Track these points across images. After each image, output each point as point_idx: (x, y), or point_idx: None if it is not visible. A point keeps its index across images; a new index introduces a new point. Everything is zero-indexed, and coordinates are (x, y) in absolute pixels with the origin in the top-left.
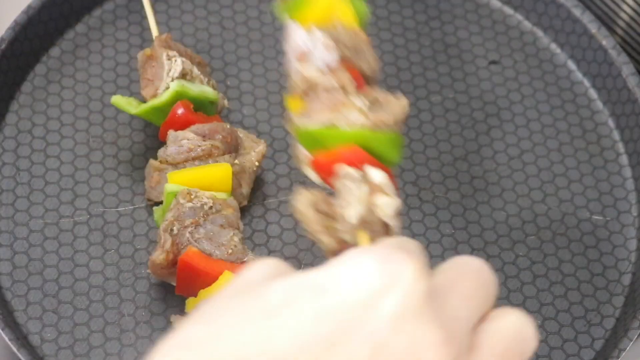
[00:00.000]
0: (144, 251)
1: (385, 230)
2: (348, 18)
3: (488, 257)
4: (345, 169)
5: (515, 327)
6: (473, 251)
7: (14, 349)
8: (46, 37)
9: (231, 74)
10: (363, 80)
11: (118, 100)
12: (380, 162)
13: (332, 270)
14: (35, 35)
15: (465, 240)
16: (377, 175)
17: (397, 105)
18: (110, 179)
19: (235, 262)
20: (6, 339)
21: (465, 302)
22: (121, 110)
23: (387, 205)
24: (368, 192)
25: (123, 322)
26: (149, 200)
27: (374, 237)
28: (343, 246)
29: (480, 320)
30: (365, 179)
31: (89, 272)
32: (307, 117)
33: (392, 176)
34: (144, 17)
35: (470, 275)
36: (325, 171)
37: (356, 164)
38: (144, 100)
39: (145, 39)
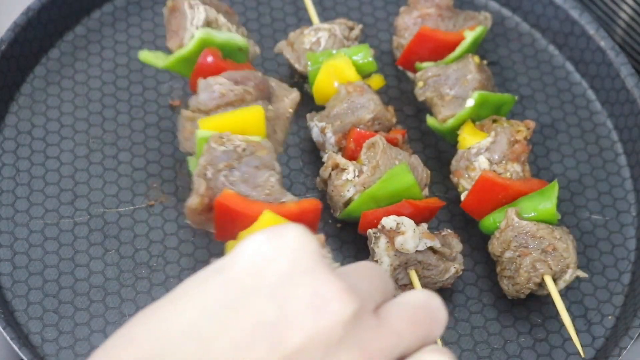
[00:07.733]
0: (145, 251)
1: (432, 252)
2: (349, 76)
3: (488, 257)
4: (367, 233)
5: (421, 298)
6: (473, 250)
7: (16, 348)
8: (45, 39)
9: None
10: (363, 135)
11: (145, 55)
12: (397, 200)
13: (230, 253)
14: (35, 37)
15: (464, 239)
16: (387, 222)
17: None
18: (110, 179)
19: (274, 203)
20: (7, 338)
21: (365, 279)
22: (121, 112)
23: (404, 242)
24: (386, 242)
25: (124, 322)
26: (184, 151)
27: (424, 266)
28: (404, 289)
29: (384, 302)
30: (383, 230)
31: (90, 273)
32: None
33: (410, 204)
34: (143, 19)
35: (367, 266)
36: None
37: (374, 223)
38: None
39: (144, 41)
